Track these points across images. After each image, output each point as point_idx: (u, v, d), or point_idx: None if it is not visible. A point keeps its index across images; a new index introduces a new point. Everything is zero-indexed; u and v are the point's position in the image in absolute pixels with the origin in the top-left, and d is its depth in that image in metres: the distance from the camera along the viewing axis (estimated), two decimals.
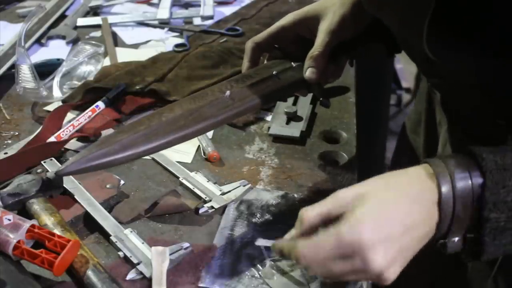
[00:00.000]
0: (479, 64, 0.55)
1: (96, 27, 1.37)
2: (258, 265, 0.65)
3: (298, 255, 0.51)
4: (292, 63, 0.75)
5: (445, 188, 0.51)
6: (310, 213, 0.53)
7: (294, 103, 0.94)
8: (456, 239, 0.53)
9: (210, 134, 0.91)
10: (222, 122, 0.69)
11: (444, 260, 0.87)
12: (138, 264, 0.64)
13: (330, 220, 0.51)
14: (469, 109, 0.69)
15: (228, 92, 0.68)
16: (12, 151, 0.85)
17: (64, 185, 0.75)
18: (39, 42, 1.29)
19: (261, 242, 0.67)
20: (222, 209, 0.74)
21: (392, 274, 0.50)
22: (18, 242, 0.62)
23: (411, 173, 0.53)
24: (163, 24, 1.39)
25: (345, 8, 0.73)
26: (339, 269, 0.50)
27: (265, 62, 0.79)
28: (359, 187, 0.52)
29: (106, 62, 1.16)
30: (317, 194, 0.76)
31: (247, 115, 0.94)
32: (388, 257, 0.49)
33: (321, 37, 0.73)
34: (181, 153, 0.86)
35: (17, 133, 0.93)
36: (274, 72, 0.73)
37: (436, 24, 0.53)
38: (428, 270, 0.93)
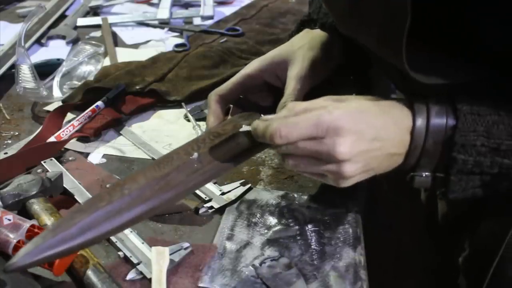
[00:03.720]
0: (460, 79, 0.55)
1: (96, 27, 1.37)
2: (258, 265, 0.65)
3: (273, 131, 0.53)
4: (262, 115, 0.66)
5: (419, 121, 0.53)
6: (299, 106, 0.56)
7: None
8: (425, 174, 0.55)
9: None
10: (192, 189, 0.61)
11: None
12: (138, 264, 0.64)
13: None
14: None
15: (195, 154, 0.60)
16: (12, 151, 0.85)
17: (64, 185, 0.75)
18: (39, 42, 1.29)
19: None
20: (222, 209, 0.74)
21: (350, 171, 0.53)
22: (18, 242, 0.62)
23: (393, 100, 0.56)
24: (163, 24, 1.39)
25: (315, 51, 0.69)
26: (308, 148, 0.53)
27: (229, 116, 0.71)
28: (343, 96, 0.57)
29: (106, 62, 1.17)
30: (317, 194, 0.76)
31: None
32: (354, 151, 0.52)
33: (292, 85, 0.67)
34: None
35: (17, 133, 0.93)
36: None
37: (415, 40, 0.51)
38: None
